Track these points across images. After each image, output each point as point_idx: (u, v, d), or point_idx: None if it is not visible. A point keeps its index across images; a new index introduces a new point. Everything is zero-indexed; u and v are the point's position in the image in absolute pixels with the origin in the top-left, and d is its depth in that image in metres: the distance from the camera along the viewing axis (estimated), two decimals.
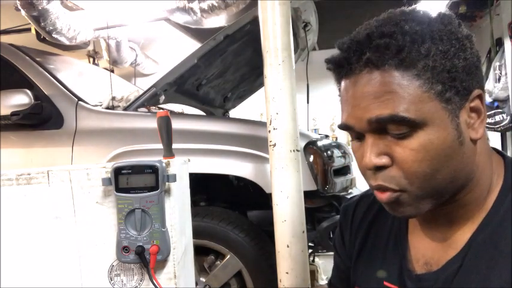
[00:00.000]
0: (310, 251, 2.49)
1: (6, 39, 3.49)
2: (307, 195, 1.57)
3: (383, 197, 0.57)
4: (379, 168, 0.56)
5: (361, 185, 2.54)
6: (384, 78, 0.53)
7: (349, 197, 2.01)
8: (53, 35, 3.06)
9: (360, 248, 0.74)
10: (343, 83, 0.60)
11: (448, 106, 0.53)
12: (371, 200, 0.77)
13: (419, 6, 0.59)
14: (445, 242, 0.61)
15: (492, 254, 0.55)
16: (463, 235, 0.59)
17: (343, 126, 0.60)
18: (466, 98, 0.55)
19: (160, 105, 2.34)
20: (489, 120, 3.51)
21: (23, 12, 2.84)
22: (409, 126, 0.53)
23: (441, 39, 0.53)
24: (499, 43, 3.53)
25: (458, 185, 0.57)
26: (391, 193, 0.56)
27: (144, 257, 0.70)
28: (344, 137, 5.15)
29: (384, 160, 0.55)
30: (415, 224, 0.68)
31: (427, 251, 0.64)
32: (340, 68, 0.59)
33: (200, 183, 1.92)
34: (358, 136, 0.60)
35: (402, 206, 0.57)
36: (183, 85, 2.24)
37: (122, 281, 0.74)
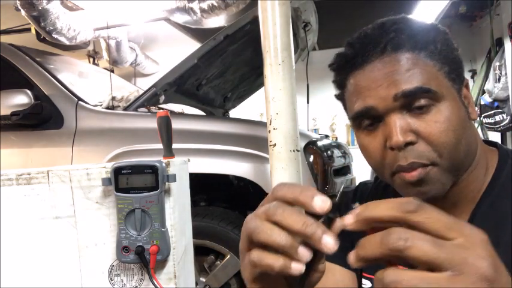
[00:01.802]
0: None
1: (6, 39, 3.49)
2: None
3: (414, 174, 0.57)
4: (406, 146, 0.57)
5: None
6: (403, 59, 0.57)
7: None
8: (53, 35, 3.07)
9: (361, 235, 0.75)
10: (354, 76, 0.61)
11: (454, 85, 0.59)
12: (369, 188, 0.78)
13: (420, 6, 0.62)
14: None
15: (495, 221, 0.57)
16: (464, 215, 0.62)
17: (361, 112, 0.60)
18: (462, 83, 0.62)
19: (160, 105, 2.34)
20: (489, 120, 3.51)
21: (23, 12, 2.84)
22: (431, 99, 0.56)
23: (439, 32, 0.61)
24: (499, 43, 3.53)
25: (470, 160, 0.61)
26: (422, 168, 0.57)
27: (144, 257, 0.70)
28: (344, 137, 5.16)
29: (411, 136, 0.56)
30: None
31: None
32: (354, 60, 0.60)
33: (200, 183, 1.92)
34: (371, 123, 0.61)
35: (429, 183, 0.57)
36: (183, 85, 2.24)
37: (122, 281, 0.74)
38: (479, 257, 0.30)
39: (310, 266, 0.37)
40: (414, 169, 0.57)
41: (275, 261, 0.36)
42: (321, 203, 0.35)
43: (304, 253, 0.35)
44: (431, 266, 0.30)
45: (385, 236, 0.31)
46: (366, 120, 0.61)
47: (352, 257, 0.34)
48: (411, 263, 0.31)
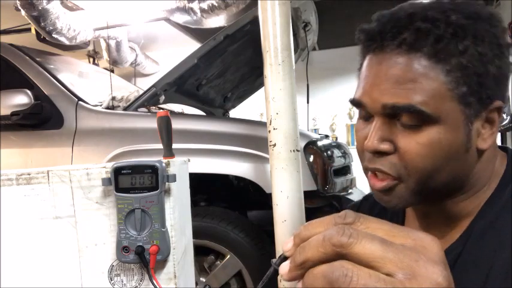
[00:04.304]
0: None
1: (6, 39, 3.49)
2: (307, 195, 1.57)
3: (378, 184, 0.55)
4: (379, 153, 0.54)
5: (361, 185, 2.54)
6: (413, 65, 0.51)
7: (349, 197, 2.01)
8: (53, 35, 3.07)
9: None
10: (368, 58, 0.57)
11: (466, 110, 0.52)
12: (372, 202, 0.76)
13: None
14: (443, 239, 0.60)
15: (493, 242, 0.53)
16: (460, 230, 0.58)
17: (355, 103, 0.58)
18: (486, 107, 0.53)
19: (160, 105, 2.34)
20: None
21: (23, 12, 2.84)
22: (422, 120, 0.51)
23: (483, 40, 0.51)
24: None
25: (451, 189, 0.56)
26: (389, 181, 0.55)
27: (144, 257, 0.69)
28: (344, 137, 5.16)
29: (386, 146, 0.54)
30: (411, 221, 0.67)
31: None
32: (371, 42, 0.56)
33: (200, 183, 1.92)
34: (366, 116, 0.58)
35: (391, 195, 0.56)
36: (183, 85, 2.24)
37: (122, 281, 0.74)
38: (431, 260, 0.27)
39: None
40: (379, 178, 0.55)
41: None
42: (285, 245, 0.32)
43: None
44: (377, 267, 0.26)
45: (328, 233, 0.28)
46: (362, 110, 0.58)
47: (284, 267, 0.30)
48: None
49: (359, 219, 0.29)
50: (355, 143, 0.61)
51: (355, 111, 5.18)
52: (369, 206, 0.77)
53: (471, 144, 0.53)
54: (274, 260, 0.32)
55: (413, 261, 0.26)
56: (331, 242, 0.27)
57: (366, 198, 0.80)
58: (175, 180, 0.71)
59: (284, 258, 0.31)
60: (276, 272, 0.32)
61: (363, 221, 0.29)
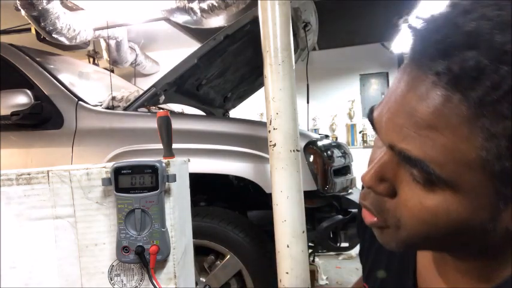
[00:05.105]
0: (310, 251, 2.49)
1: (6, 39, 3.49)
2: (307, 195, 1.57)
3: (367, 219, 0.47)
4: (375, 191, 0.45)
5: (361, 185, 2.53)
6: (444, 109, 0.36)
7: (349, 197, 2.01)
8: (53, 35, 3.07)
9: (368, 247, 0.72)
10: (402, 69, 0.42)
11: (502, 189, 0.37)
12: None
13: (420, 7, 0.52)
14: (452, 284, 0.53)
15: None
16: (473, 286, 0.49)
17: (369, 119, 0.46)
18: None
19: (160, 105, 2.34)
20: None
21: (23, 12, 2.84)
22: (432, 181, 0.39)
23: None
24: None
25: (460, 255, 0.48)
26: (377, 221, 0.46)
27: (144, 257, 0.70)
28: (344, 137, 5.16)
29: (382, 188, 0.44)
30: (423, 256, 0.60)
31: (432, 281, 0.55)
32: (414, 48, 0.40)
33: (200, 183, 1.92)
34: None
35: (381, 233, 0.47)
36: (183, 85, 2.24)
37: (122, 281, 0.74)
38: None
39: None
40: (370, 214, 0.47)
41: None
42: None
43: None
44: None
45: None
46: None
47: None
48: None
49: None
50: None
51: (355, 111, 5.19)
52: None
53: (497, 225, 0.40)
54: None
55: None
56: None
57: None
58: (175, 180, 0.72)
59: None
60: None
61: None
